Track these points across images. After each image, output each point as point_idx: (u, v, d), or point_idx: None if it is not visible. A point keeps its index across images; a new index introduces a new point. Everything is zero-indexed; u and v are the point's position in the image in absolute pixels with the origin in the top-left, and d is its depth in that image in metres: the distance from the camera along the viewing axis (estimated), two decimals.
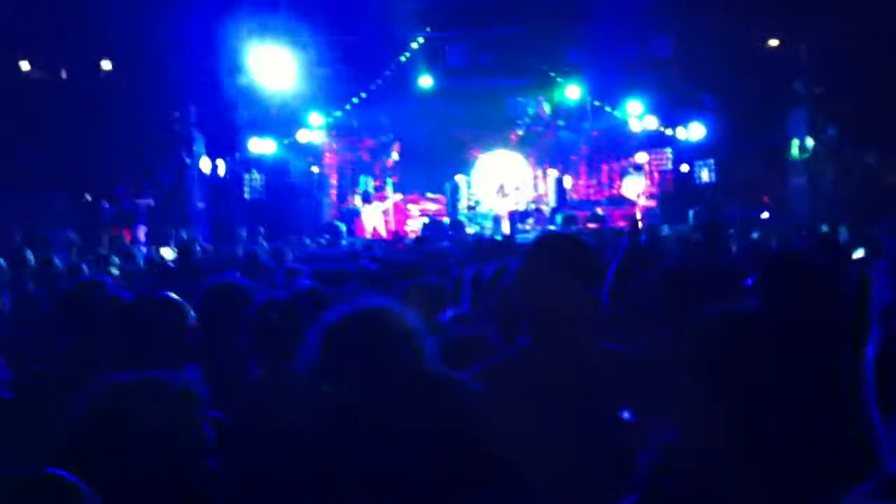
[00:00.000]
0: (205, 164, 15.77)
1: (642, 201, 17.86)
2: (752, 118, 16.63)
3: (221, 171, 16.10)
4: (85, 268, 8.05)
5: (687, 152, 17.68)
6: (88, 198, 15.01)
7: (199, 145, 15.68)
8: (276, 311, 2.70)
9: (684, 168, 17.90)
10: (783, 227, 13.14)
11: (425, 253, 8.38)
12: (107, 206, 15.08)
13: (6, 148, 13.82)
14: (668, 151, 17.85)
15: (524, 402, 2.02)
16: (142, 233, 14.74)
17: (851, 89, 15.96)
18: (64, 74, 15.08)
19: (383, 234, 16.72)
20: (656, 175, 18.01)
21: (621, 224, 16.84)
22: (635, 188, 18.14)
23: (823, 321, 2.10)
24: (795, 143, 17.14)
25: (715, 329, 1.72)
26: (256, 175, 16.63)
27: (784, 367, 1.65)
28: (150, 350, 2.49)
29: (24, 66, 14.67)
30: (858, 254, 5.39)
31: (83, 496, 1.40)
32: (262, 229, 13.21)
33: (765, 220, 15.90)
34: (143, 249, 14.49)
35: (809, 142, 16.93)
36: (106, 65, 15.16)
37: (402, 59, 17.25)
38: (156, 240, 14.65)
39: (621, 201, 18.05)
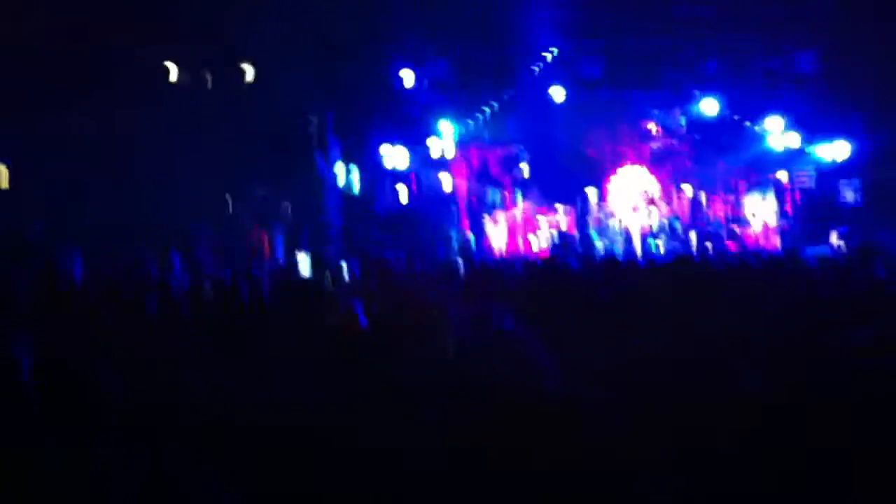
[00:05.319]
0: (339, 171, 15.69)
1: (756, 221, 17.20)
2: None
3: (356, 179, 15.99)
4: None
5: (830, 171, 16.92)
6: (229, 199, 15.07)
7: (334, 152, 15.61)
8: None
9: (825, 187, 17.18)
10: None
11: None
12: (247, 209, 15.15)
13: (156, 147, 14.00)
14: (810, 169, 17.10)
15: None
16: (281, 238, 14.73)
17: None
18: (209, 82, 15.17)
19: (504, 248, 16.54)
20: (797, 194, 17.28)
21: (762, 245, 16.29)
22: (755, 207, 17.54)
23: None
24: None
25: None
26: (390, 185, 16.48)
27: None
28: None
29: (173, 71, 14.82)
30: None
31: None
32: None
33: None
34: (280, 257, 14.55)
35: None
36: (248, 71, 15.21)
37: (535, 69, 16.96)
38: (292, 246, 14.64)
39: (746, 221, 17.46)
